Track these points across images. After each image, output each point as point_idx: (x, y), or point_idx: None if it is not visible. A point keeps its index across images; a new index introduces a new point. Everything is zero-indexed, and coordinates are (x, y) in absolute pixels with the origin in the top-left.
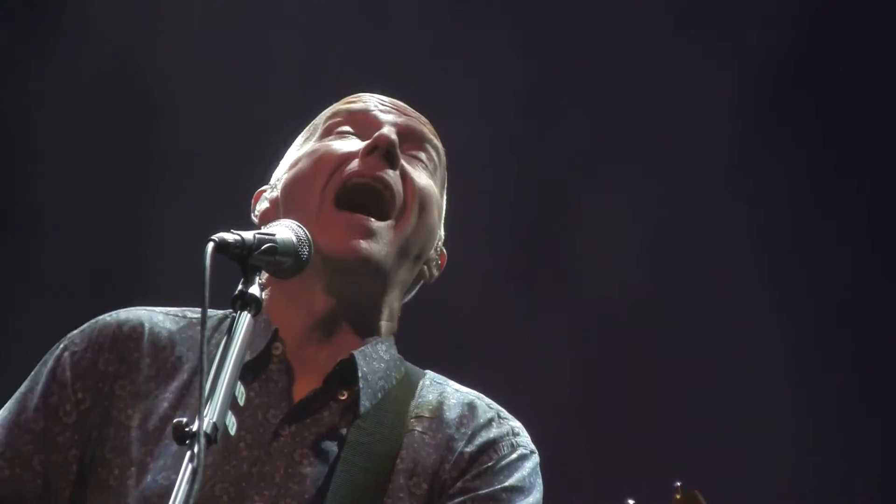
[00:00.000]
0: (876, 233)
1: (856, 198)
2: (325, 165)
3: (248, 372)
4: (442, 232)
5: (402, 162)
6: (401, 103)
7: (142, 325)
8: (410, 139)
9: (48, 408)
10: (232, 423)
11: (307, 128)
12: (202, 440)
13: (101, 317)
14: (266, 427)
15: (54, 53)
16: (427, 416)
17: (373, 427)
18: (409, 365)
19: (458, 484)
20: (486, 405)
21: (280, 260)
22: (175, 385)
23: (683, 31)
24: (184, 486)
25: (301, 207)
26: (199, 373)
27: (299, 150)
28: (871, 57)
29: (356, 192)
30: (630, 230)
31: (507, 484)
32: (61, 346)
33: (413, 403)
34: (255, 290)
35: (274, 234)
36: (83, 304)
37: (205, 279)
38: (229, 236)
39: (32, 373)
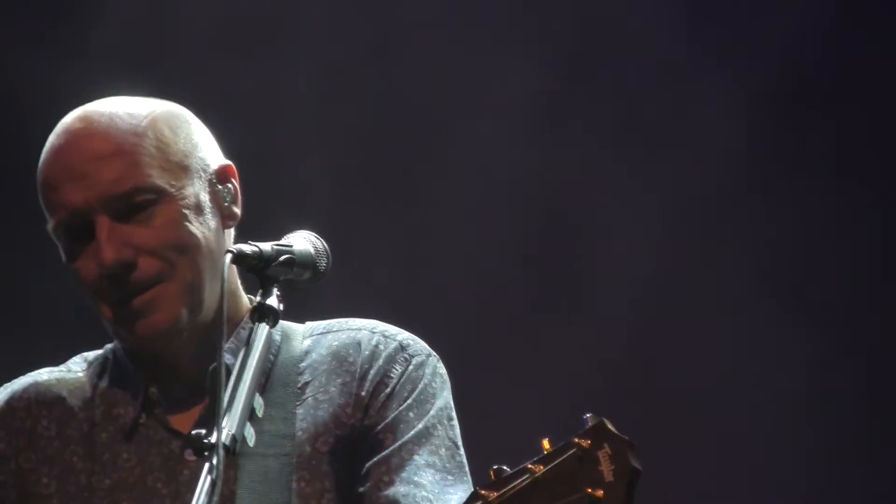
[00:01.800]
0: (890, 236)
1: (868, 201)
2: (91, 297)
3: (136, 423)
4: (211, 165)
5: (128, 245)
6: (81, 150)
7: (26, 391)
8: (115, 202)
9: None
10: (250, 434)
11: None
12: (221, 452)
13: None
14: (174, 459)
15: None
16: (312, 378)
17: (266, 414)
18: (286, 326)
19: (366, 421)
20: (369, 332)
21: (298, 272)
22: (78, 436)
23: (699, 33)
24: (203, 499)
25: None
26: (219, 389)
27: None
28: (885, 65)
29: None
30: (643, 233)
31: (411, 400)
32: None
33: (297, 370)
34: (272, 301)
35: (292, 246)
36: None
37: (223, 291)
38: (247, 247)
39: None
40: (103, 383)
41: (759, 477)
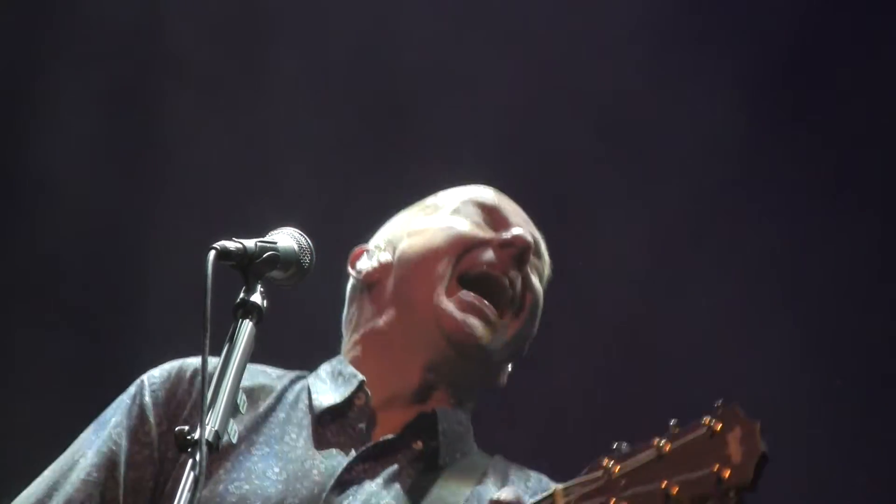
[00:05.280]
0: (881, 229)
1: (859, 198)
2: (457, 242)
3: (328, 414)
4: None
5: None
6: (521, 210)
7: (198, 366)
8: (534, 250)
9: (129, 430)
10: (234, 430)
11: (424, 203)
12: (204, 448)
13: (180, 360)
14: (339, 463)
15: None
16: (496, 475)
17: (448, 482)
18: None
19: None
20: (549, 481)
21: (282, 268)
22: (250, 416)
23: (682, 35)
24: (185, 495)
25: (423, 277)
26: (203, 387)
27: (421, 220)
28: (873, 57)
29: (483, 280)
30: (632, 235)
31: None
32: (142, 378)
33: (483, 467)
34: (256, 298)
35: (276, 243)
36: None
37: (207, 287)
38: (231, 244)
39: (113, 402)
40: (297, 382)
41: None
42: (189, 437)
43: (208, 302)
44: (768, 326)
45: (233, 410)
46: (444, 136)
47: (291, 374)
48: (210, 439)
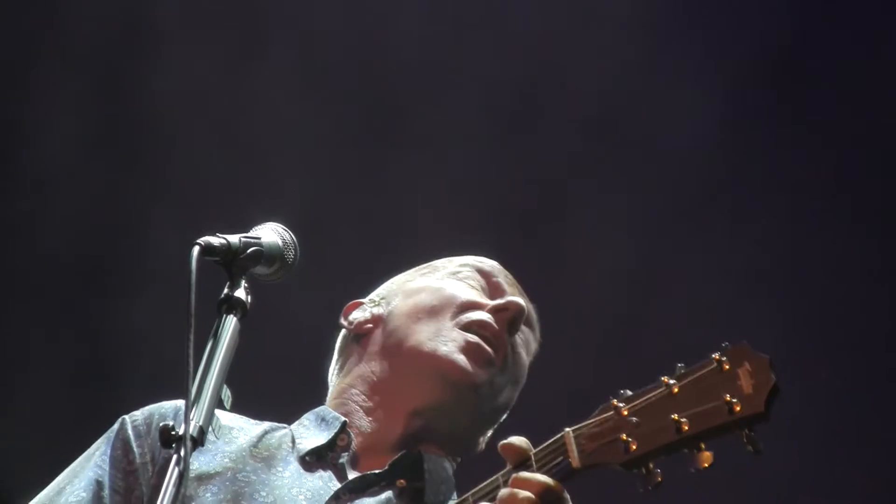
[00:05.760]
0: (872, 229)
1: (858, 198)
2: (452, 302)
3: (312, 455)
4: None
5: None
6: (517, 283)
7: (180, 409)
8: (525, 321)
9: (113, 458)
10: (218, 426)
11: (424, 266)
12: (188, 444)
13: (157, 403)
14: (326, 491)
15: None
16: None
17: None
18: None
19: None
20: None
21: (266, 263)
22: (233, 448)
23: (670, 35)
24: (170, 490)
25: (417, 331)
26: (188, 382)
27: (417, 280)
28: (873, 57)
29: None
30: (623, 232)
31: None
32: (123, 417)
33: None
34: (240, 293)
35: (260, 238)
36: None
37: (191, 282)
38: (215, 240)
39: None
40: (278, 430)
41: (744, 476)
42: (174, 433)
43: (192, 297)
44: (767, 326)
45: (217, 405)
46: (442, 135)
47: (271, 423)
48: (195, 434)
